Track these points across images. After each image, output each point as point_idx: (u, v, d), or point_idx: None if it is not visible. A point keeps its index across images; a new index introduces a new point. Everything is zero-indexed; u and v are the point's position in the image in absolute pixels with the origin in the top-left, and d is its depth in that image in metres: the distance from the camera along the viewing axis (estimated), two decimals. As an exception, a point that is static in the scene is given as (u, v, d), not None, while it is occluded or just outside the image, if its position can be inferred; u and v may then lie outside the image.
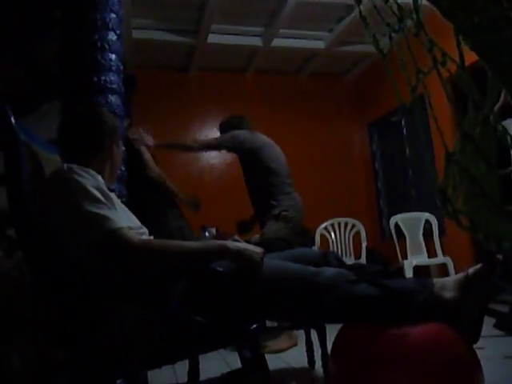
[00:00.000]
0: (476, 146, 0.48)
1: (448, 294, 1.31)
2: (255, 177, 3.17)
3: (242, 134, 3.20)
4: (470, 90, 0.47)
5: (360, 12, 0.86)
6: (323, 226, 4.91)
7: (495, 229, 0.48)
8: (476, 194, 0.49)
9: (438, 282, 1.35)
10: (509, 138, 0.48)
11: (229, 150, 3.26)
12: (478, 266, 1.39)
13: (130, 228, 1.24)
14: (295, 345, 2.76)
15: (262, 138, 3.23)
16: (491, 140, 0.50)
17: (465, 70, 0.49)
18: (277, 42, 5.22)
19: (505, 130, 0.48)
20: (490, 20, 0.43)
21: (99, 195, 1.19)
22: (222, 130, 3.41)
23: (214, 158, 5.80)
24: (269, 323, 2.32)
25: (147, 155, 3.03)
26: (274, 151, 3.19)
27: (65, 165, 1.25)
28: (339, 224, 4.96)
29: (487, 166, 0.50)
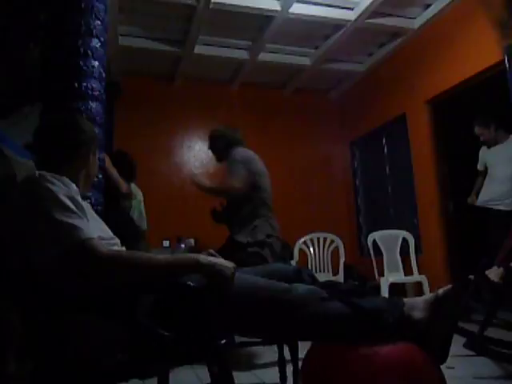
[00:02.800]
0: None
1: (418, 314, 1.33)
2: (243, 200, 2.84)
3: (250, 154, 2.92)
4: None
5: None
6: (302, 240, 4.92)
7: None
8: None
9: (408, 301, 1.36)
10: None
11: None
12: (448, 286, 1.40)
13: (101, 238, 1.23)
14: None
15: (261, 163, 2.96)
16: None
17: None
18: (263, 57, 5.27)
19: None
20: None
21: (70, 204, 1.17)
22: (216, 144, 3.06)
23: (196, 168, 5.78)
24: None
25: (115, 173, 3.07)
26: (268, 180, 2.95)
27: (37, 172, 1.23)
28: (318, 239, 4.98)
29: None
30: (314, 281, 1.47)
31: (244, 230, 2.77)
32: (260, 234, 2.74)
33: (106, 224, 1.47)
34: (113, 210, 2.96)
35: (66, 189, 1.21)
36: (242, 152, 2.91)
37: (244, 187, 2.75)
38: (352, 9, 4.45)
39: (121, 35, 4.73)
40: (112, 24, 4.06)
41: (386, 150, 5.71)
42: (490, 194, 3.98)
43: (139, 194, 3.77)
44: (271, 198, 2.94)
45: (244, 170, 2.77)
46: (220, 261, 1.22)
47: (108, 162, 3.04)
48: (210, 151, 3.19)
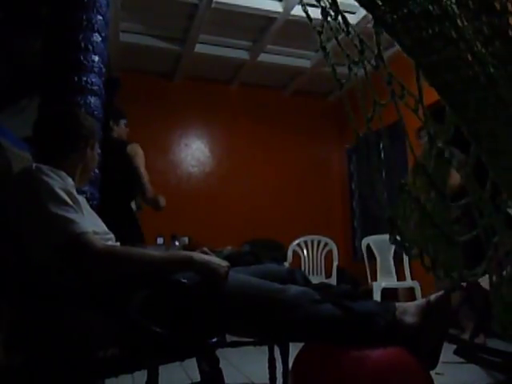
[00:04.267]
0: (429, 176, 0.50)
1: (409, 319, 1.33)
2: None
3: None
4: (425, 123, 0.49)
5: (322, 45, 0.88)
6: (296, 242, 4.93)
7: (443, 257, 0.50)
8: (426, 224, 0.51)
9: (400, 306, 1.37)
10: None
11: None
12: (440, 292, 1.41)
13: (96, 233, 1.22)
14: None
15: None
16: (444, 172, 0.52)
17: (422, 104, 0.52)
18: (263, 57, 5.27)
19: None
20: (447, 59, 0.45)
21: (66, 198, 1.17)
22: None
23: (193, 166, 5.77)
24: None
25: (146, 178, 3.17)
26: None
27: (34, 164, 1.22)
28: (312, 242, 4.99)
29: (438, 197, 0.52)
30: (306, 282, 1.47)
31: None
32: None
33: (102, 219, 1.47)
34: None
35: (62, 182, 1.21)
36: None
37: None
38: (354, 13, 4.46)
39: (122, 31, 4.73)
40: (114, 20, 4.05)
41: (383, 155, 5.71)
42: None
43: None
44: None
45: None
46: (214, 259, 1.22)
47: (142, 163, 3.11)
48: None
